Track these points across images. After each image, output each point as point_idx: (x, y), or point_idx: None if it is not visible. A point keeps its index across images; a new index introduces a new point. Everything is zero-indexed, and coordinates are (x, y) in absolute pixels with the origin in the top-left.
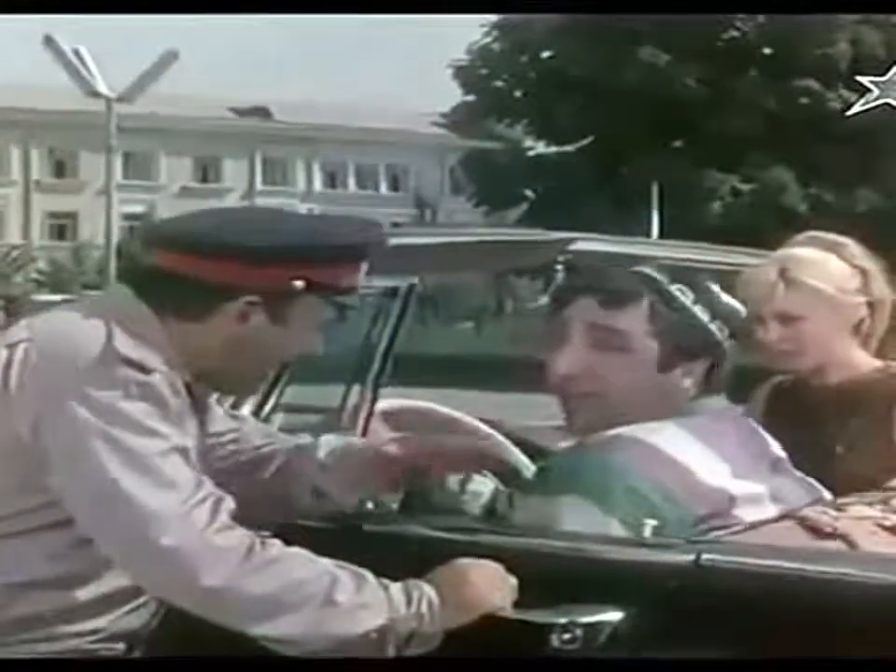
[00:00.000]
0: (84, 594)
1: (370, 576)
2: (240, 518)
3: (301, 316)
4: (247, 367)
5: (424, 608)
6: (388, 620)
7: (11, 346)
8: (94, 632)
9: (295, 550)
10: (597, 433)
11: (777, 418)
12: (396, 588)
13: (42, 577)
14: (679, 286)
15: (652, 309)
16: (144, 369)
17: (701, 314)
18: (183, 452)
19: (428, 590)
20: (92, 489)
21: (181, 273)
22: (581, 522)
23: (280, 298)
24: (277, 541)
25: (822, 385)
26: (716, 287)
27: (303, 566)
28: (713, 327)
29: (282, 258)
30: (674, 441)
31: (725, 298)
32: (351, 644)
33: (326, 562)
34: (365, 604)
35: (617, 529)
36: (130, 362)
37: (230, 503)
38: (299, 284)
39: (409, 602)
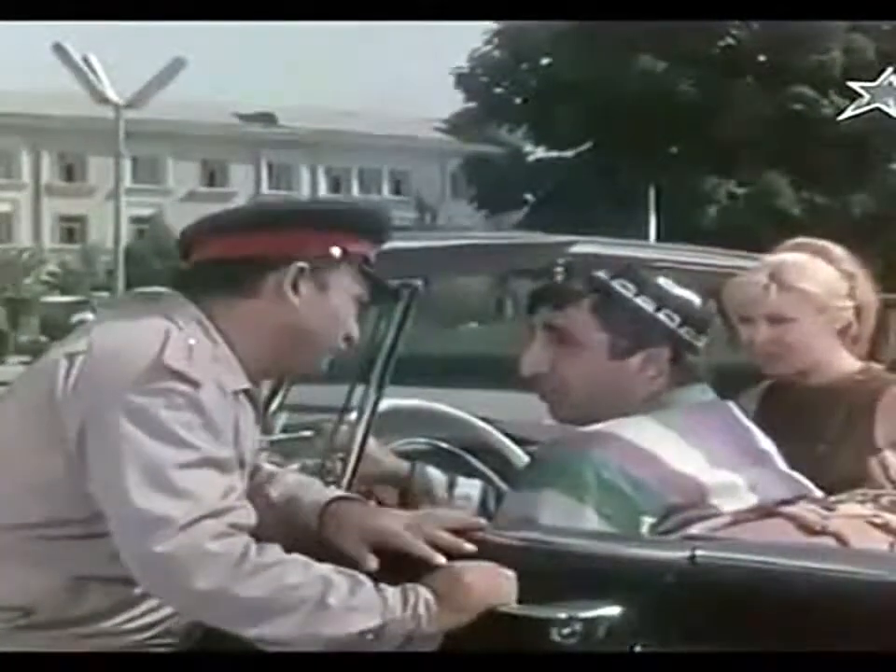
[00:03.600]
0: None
1: (365, 580)
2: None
3: (342, 285)
4: (301, 345)
5: (421, 609)
6: (383, 621)
7: (71, 356)
8: (152, 625)
9: (291, 556)
10: (579, 428)
11: (768, 418)
12: (392, 591)
13: (106, 574)
14: (620, 280)
15: (595, 304)
16: (190, 381)
17: (645, 304)
18: (216, 463)
19: (425, 592)
20: (109, 491)
21: (225, 257)
22: (558, 515)
23: (323, 265)
24: (275, 547)
25: (808, 387)
26: (664, 280)
27: (297, 571)
28: (661, 316)
29: (313, 222)
30: (649, 433)
31: (677, 290)
32: (345, 644)
33: (322, 567)
34: (358, 606)
35: (594, 522)
36: (176, 374)
37: (240, 514)
38: (336, 251)
39: (405, 604)
